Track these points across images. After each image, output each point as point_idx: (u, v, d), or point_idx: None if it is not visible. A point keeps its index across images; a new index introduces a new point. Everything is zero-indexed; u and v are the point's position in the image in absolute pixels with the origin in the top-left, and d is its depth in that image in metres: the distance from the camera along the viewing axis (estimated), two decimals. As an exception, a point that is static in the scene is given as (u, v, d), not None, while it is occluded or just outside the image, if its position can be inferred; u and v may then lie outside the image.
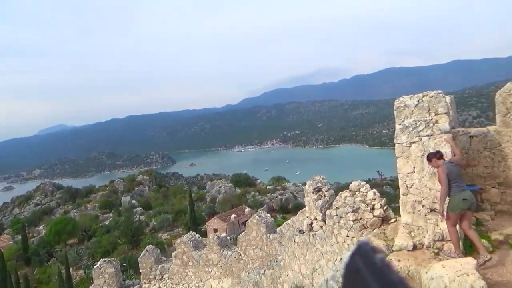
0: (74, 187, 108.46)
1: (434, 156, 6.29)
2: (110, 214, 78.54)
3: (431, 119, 6.78)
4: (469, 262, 4.92)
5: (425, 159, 6.57)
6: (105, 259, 18.15)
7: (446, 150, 6.52)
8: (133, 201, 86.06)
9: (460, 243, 6.19)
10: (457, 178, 6.24)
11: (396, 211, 9.68)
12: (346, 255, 7.61)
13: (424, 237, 6.56)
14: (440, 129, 6.69)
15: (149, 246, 18.32)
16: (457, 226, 6.22)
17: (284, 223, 14.88)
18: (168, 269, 16.79)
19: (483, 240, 6.41)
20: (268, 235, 14.51)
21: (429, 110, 6.84)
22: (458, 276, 4.57)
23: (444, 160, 6.30)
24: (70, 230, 61.57)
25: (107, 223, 70.67)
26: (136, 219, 67.99)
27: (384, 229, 8.59)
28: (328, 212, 10.26)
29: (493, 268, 5.63)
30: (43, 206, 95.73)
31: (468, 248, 6.31)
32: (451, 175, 6.19)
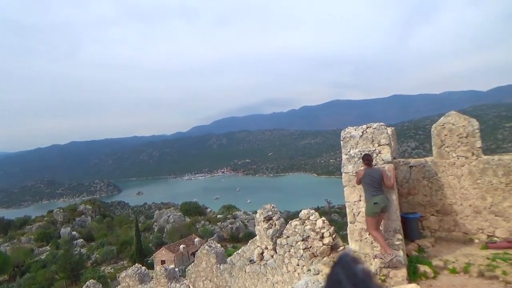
0: (7, 218, 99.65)
1: (368, 158, 6.91)
2: (48, 247, 72.92)
3: (375, 150, 7.16)
4: (413, 288, 5.11)
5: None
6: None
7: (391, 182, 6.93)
8: (74, 233, 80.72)
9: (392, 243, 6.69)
10: (372, 184, 6.72)
11: (345, 238, 9.92)
12: (297, 286, 7.61)
13: (371, 264, 6.75)
14: (383, 159, 7.07)
15: (90, 280, 17.16)
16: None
17: (235, 252, 14.64)
18: (111, 306, 15.75)
19: (425, 266, 6.73)
20: (219, 265, 14.17)
21: (373, 141, 7.23)
22: (403, 303, 4.72)
23: (370, 167, 6.86)
24: (0, 266, 56.05)
25: (43, 257, 65.53)
26: (77, 251, 63.55)
27: (333, 257, 8.73)
28: (278, 241, 10.27)
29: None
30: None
31: (412, 275, 6.57)
32: (365, 180, 6.76)
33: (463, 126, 7.99)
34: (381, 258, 6.55)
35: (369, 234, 6.89)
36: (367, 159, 6.90)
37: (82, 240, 76.13)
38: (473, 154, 7.92)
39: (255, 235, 12.21)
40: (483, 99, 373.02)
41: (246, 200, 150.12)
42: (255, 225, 12.52)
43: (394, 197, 7.04)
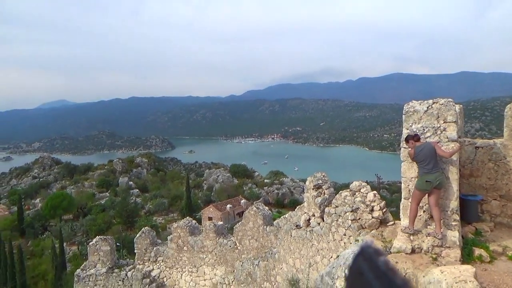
0: (73, 163, 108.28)
1: (412, 139, 6.73)
2: (107, 194, 78.82)
3: (439, 127, 6.82)
4: (468, 269, 5.00)
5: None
6: (101, 236, 18.30)
7: (453, 158, 6.60)
8: (130, 183, 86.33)
9: (416, 221, 6.80)
10: (427, 160, 6.57)
11: (393, 214, 9.77)
12: (344, 254, 7.71)
13: (423, 241, 6.64)
14: (447, 137, 6.73)
15: (145, 227, 18.46)
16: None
17: (282, 217, 14.98)
18: (163, 252, 16.95)
19: (482, 250, 6.50)
20: (265, 227, 14.63)
21: (438, 117, 6.87)
22: (456, 283, 4.65)
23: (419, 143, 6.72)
24: (66, 206, 61.80)
25: (103, 202, 70.97)
26: (132, 200, 68.22)
27: (382, 231, 8.67)
28: (327, 209, 10.34)
29: (489, 278, 5.73)
30: (41, 179, 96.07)
31: (467, 256, 6.40)
32: (420, 156, 6.62)
33: (542, 108, 7.35)
34: (434, 236, 6.42)
35: (423, 212, 6.75)
36: (412, 138, 6.76)
37: (137, 190, 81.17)
38: (550, 139, 7.32)
39: (301, 202, 12.38)
40: None
41: (294, 168, 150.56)
42: (301, 193, 12.68)
43: (456, 176, 6.74)
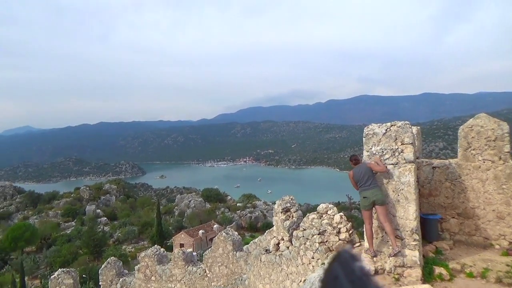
0: (37, 191, 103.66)
1: (350, 161, 7.37)
2: (73, 223, 75.69)
3: (397, 148, 7.06)
4: (426, 289, 5.09)
5: (389, 186, 6.88)
6: (64, 269, 17.43)
7: (410, 179, 6.81)
8: (98, 211, 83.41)
9: (374, 241, 7.06)
10: (364, 178, 7.02)
11: (362, 235, 9.89)
12: (310, 279, 7.69)
13: (385, 262, 6.74)
14: (405, 159, 6.98)
15: (111, 258, 17.76)
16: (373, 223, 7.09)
17: (251, 241, 14.82)
18: (130, 283, 16.31)
19: (442, 268, 6.66)
20: (235, 252, 14.42)
21: (396, 139, 7.12)
22: (414, 302, 4.72)
23: (359, 163, 7.28)
24: (28, 237, 58.65)
25: (68, 231, 68.05)
26: (100, 229, 65.73)
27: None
28: (295, 233, 10.34)
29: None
30: (1, 210, 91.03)
31: (428, 275, 6.53)
32: (357, 176, 7.12)
33: (492, 129, 7.77)
34: (395, 253, 6.58)
35: (385, 233, 6.88)
36: (354, 159, 7.37)
37: (105, 218, 78.49)
38: (500, 158, 7.71)
39: (273, 226, 12.33)
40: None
41: (267, 191, 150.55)
42: (274, 216, 12.65)
43: (413, 196, 6.93)
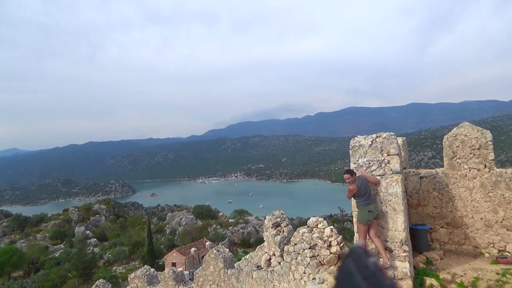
0: (24, 215, 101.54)
1: (350, 175, 6.98)
2: (62, 245, 74.03)
3: (384, 160, 7.07)
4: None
5: (377, 197, 6.85)
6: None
7: (397, 190, 6.80)
8: (88, 232, 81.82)
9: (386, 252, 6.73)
10: (367, 192, 6.81)
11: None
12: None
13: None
14: (391, 170, 6.98)
15: (99, 280, 17.36)
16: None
17: (243, 258, 14.62)
18: (119, 306, 15.90)
19: (432, 279, 6.61)
20: (226, 270, 14.20)
21: (382, 150, 7.14)
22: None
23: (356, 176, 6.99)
24: (15, 262, 57.15)
25: (57, 255, 66.48)
26: (90, 251, 64.33)
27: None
28: (286, 248, 10.22)
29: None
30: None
31: (418, 287, 6.47)
32: (361, 190, 6.83)
33: (476, 137, 7.85)
34: (385, 267, 6.48)
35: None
36: (353, 172, 7.05)
37: (95, 239, 77.03)
38: (485, 166, 7.77)
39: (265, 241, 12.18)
40: (505, 109, 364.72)
41: (259, 205, 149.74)
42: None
43: (402, 207, 6.93)
